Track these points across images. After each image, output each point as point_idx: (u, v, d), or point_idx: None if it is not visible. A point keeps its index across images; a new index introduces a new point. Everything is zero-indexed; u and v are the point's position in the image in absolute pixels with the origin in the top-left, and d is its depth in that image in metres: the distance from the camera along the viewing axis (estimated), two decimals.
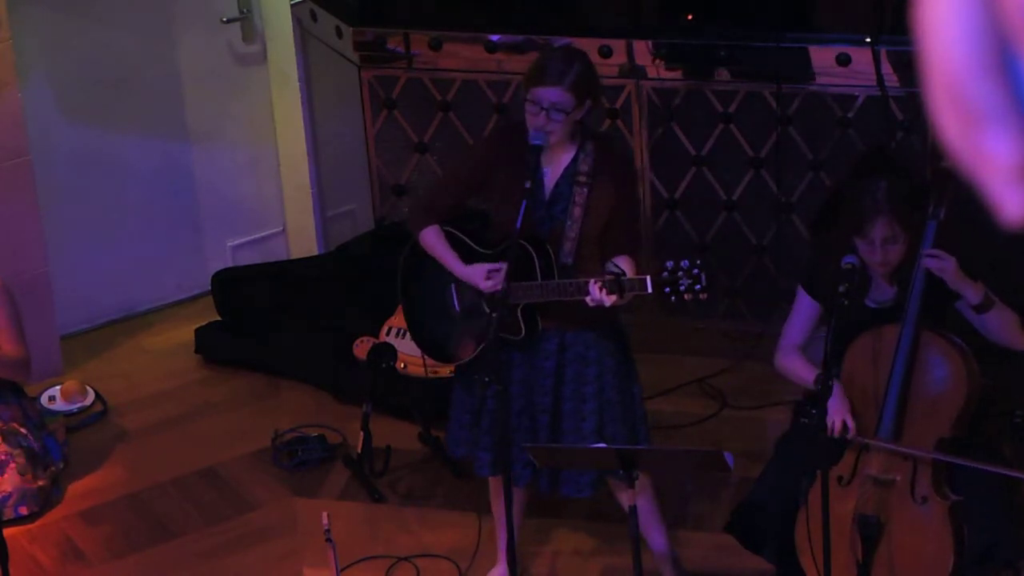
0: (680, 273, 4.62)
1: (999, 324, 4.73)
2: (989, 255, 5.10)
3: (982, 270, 4.77)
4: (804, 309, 4.99)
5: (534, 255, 4.83)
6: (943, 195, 4.67)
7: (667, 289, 4.63)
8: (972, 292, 4.68)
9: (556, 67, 4.77)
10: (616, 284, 4.60)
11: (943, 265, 4.64)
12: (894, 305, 4.81)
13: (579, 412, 4.99)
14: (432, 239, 5.01)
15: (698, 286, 4.63)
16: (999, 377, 5.07)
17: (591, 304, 4.63)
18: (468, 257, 4.99)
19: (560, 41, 6.35)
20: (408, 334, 5.44)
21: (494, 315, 4.74)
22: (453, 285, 5.07)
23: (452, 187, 5.08)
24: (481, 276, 4.91)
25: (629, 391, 5.06)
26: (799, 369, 4.92)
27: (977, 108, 1.01)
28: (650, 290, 4.62)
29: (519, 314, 4.90)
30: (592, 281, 4.63)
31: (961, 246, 4.76)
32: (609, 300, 4.59)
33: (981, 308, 4.69)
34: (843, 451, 4.82)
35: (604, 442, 4.97)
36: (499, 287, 4.80)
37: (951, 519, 4.70)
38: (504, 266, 4.79)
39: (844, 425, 4.77)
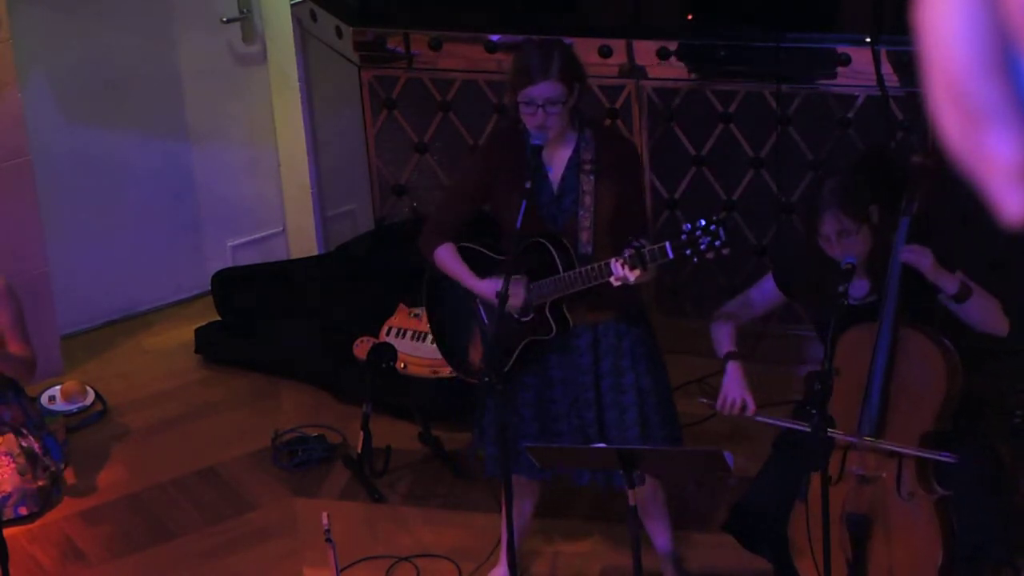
0: (698, 232, 4.55)
1: (980, 312, 4.73)
2: (987, 253, 5.10)
3: (959, 261, 4.77)
4: (765, 293, 5.05)
5: (553, 251, 4.81)
6: (916, 191, 4.69)
7: (688, 251, 4.56)
8: (949, 283, 4.68)
9: (539, 62, 4.75)
10: (638, 257, 4.57)
11: (919, 259, 4.65)
12: (874, 301, 4.81)
13: (620, 404, 4.98)
14: (446, 258, 4.98)
15: (718, 242, 4.56)
16: (998, 377, 5.07)
17: (616, 283, 4.60)
18: (488, 267, 4.96)
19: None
20: (408, 334, 5.44)
21: (495, 313, 4.73)
22: (478, 299, 5.05)
23: (458, 202, 5.06)
24: (495, 290, 4.86)
25: (663, 378, 5.07)
26: (720, 334, 5.01)
27: (979, 108, 1.01)
28: (671, 255, 4.56)
29: (547, 312, 4.88)
30: (613, 260, 4.60)
31: (936, 239, 4.77)
32: (633, 275, 4.56)
33: (959, 298, 4.69)
34: (829, 449, 4.83)
35: (647, 431, 4.96)
36: (518, 303, 4.79)
37: (939, 513, 4.70)
38: (520, 280, 4.76)
39: (743, 404, 4.84)
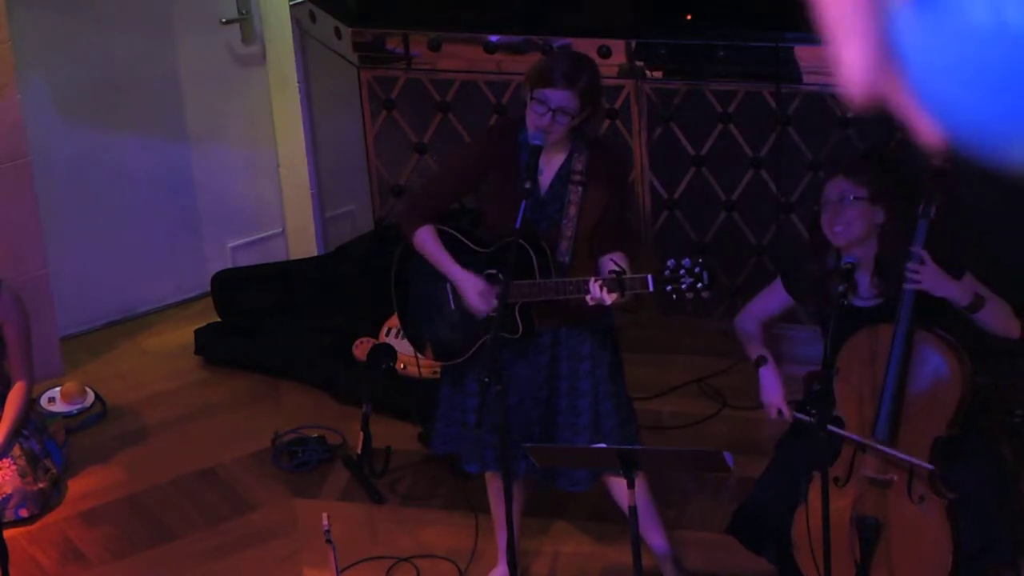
0: (682, 271, 4.62)
1: (993, 318, 4.72)
2: (985, 251, 5.09)
3: (974, 267, 4.76)
4: (774, 297, 5.09)
5: (532, 254, 4.83)
6: (934, 194, 4.67)
7: (668, 288, 4.63)
8: (959, 295, 4.66)
9: (567, 70, 4.76)
10: (617, 282, 4.60)
11: (924, 280, 4.62)
12: (882, 303, 4.81)
13: (574, 408, 5.00)
14: (426, 240, 5.00)
15: (700, 284, 4.64)
16: (998, 377, 5.07)
17: (591, 303, 4.63)
18: (464, 256, 4.98)
19: (559, 41, 6.35)
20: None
21: (494, 315, 4.75)
22: (449, 284, 5.07)
23: (444, 187, 5.08)
24: (475, 292, 4.91)
25: (622, 386, 5.08)
26: (748, 337, 5.06)
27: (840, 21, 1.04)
28: (652, 289, 4.62)
29: (516, 313, 4.90)
30: (593, 280, 4.63)
31: (950, 246, 4.75)
32: (610, 298, 4.60)
33: (971, 309, 4.68)
34: (838, 451, 4.82)
35: (599, 437, 4.98)
36: (488, 309, 4.80)
37: (949, 517, 4.70)
38: (495, 288, 4.79)
39: (779, 412, 4.90)
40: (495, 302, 4.82)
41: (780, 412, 4.92)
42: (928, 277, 4.62)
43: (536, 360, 5.01)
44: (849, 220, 4.71)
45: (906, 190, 4.76)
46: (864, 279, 4.83)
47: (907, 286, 4.65)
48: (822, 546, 4.62)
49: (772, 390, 4.94)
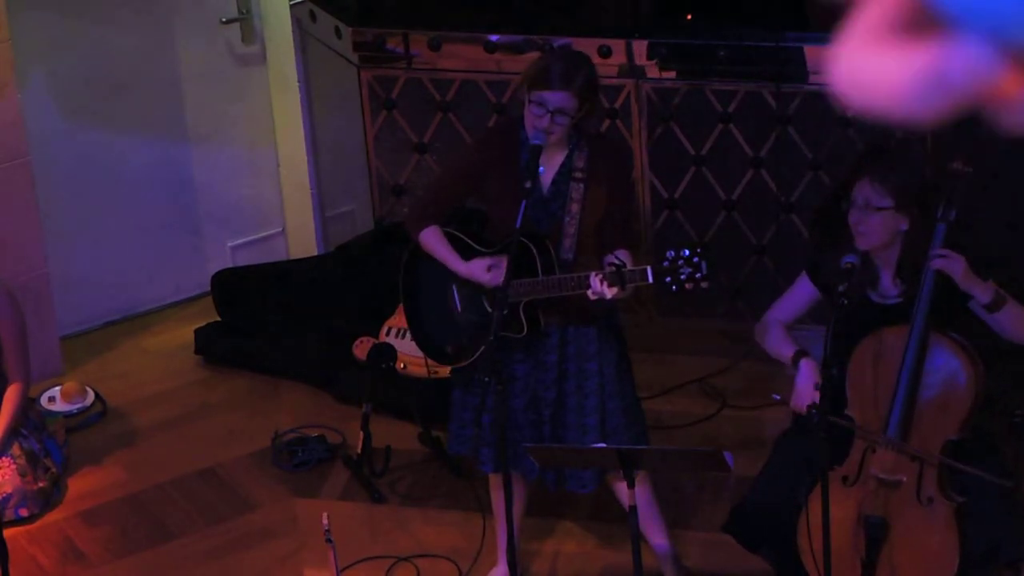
0: (681, 262, 4.62)
1: (1012, 322, 4.70)
2: (1001, 252, 5.08)
3: (993, 269, 4.75)
4: (802, 292, 4.97)
5: (535, 252, 4.84)
6: (953, 196, 4.64)
7: (668, 279, 4.63)
8: (982, 292, 4.66)
9: (563, 71, 4.76)
10: (617, 276, 4.61)
11: (952, 265, 4.62)
12: (902, 302, 4.79)
13: (582, 407, 5.00)
14: (432, 239, 5.01)
15: (699, 274, 4.63)
16: (1000, 377, 5.06)
17: (593, 297, 4.64)
18: (468, 256, 5.00)
19: (560, 41, 6.35)
20: (408, 334, 5.45)
21: (496, 313, 4.75)
22: (454, 285, 5.08)
23: (447, 189, 5.09)
24: (482, 269, 4.92)
25: (630, 384, 5.09)
26: (777, 340, 4.90)
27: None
28: (651, 280, 4.62)
29: (521, 312, 4.90)
30: (593, 274, 4.64)
31: (970, 246, 4.74)
32: (611, 292, 4.60)
33: (992, 307, 4.67)
34: (846, 451, 4.81)
35: (607, 436, 4.98)
36: (500, 279, 4.80)
37: (957, 520, 4.68)
38: (504, 259, 4.79)
39: (811, 407, 4.78)
40: (503, 273, 4.81)
41: (811, 408, 4.80)
42: (959, 265, 4.61)
43: (545, 360, 5.01)
44: (872, 226, 4.69)
45: (927, 193, 4.73)
46: (886, 277, 4.82)
47: (936, 265, 4.61)
48: (822, 545, 4.62)
49: (809, 380, 4.75)
